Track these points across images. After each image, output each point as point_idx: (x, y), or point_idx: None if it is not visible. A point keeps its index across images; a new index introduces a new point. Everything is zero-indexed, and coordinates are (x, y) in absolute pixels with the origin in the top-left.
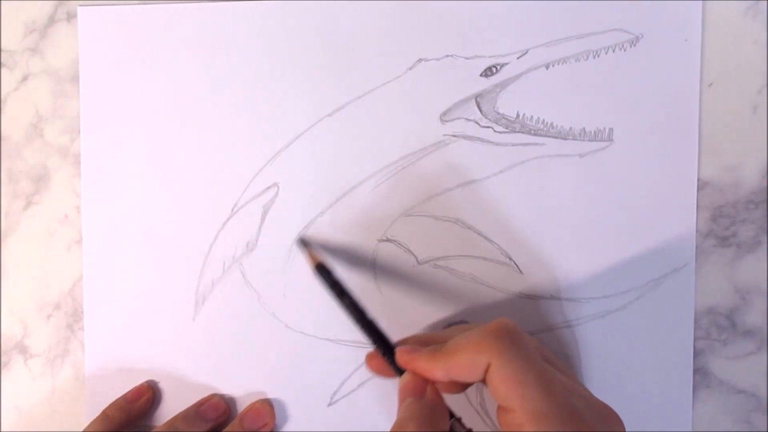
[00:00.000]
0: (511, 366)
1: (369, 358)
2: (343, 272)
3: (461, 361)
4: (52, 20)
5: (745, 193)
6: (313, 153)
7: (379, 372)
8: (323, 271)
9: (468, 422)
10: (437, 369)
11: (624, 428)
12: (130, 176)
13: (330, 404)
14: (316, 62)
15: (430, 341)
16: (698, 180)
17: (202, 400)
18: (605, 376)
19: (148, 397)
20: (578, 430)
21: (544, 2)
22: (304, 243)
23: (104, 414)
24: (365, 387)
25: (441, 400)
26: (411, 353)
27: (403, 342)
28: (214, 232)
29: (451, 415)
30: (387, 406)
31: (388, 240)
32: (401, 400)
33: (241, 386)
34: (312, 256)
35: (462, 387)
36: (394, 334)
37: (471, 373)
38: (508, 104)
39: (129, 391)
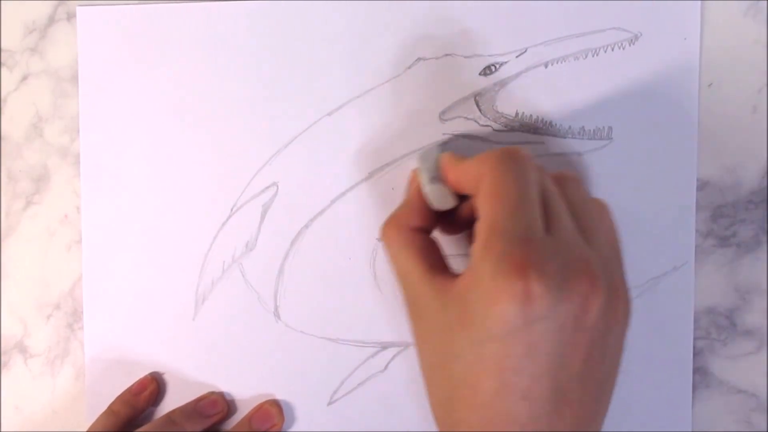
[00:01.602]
0: (496, 181)
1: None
2: (342, 271)
3: (466, 168)
4: (52, 20)
5: (745, 193)
6: (313, 152)
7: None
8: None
9: None
10: (453, 173)
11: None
12: (130, 176)
13: (330, 404)
14: (316, 62)
15: None
16: (698, 180)
17: (200, 396)
18: None
19: (152, 388)
20: (526, 251)
21: (542, 1)
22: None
23: (110, 410)
24: (365, 386)
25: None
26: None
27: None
28: (213, 232)
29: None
30: (387, 406)
31: None
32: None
33: (241, 386)
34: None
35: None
36: (395, 334)
37: (470, 183)
38: (507, 103)
39: (133, 384)
